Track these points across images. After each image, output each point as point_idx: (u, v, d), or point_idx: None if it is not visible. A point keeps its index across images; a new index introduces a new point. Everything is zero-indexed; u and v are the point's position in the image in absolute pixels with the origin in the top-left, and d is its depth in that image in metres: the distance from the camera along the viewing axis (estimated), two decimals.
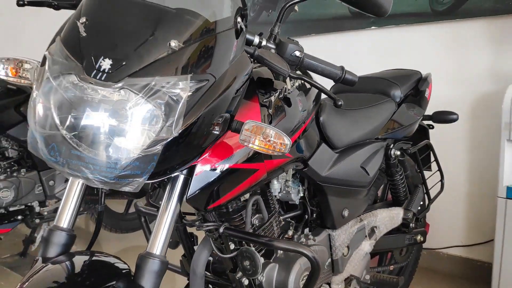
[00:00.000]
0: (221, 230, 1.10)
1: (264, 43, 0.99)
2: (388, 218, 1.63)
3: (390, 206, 1.75)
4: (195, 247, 1.28)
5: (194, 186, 0.93)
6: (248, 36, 0.96)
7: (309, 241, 1.35)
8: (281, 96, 1.09)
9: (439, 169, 1.97)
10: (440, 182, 1.98)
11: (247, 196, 1.17)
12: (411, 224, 1.72)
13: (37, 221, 2.45)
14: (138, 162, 0.73)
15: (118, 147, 0.72)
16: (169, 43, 0.75)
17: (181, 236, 1.30)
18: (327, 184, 1.35)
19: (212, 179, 0.95)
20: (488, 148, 2.27)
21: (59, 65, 0.73)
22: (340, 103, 1.04)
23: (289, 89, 1.12)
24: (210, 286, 1.32)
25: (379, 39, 2.65)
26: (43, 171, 2.42)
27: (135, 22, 0.77)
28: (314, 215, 1.41)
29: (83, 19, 0.76)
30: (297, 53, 1.01)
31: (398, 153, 1.68)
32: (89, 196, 2.49)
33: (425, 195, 1.92)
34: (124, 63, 0.71)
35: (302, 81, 1.17)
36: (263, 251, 1.21)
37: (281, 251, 1.24)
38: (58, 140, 0.72)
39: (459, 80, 2.37)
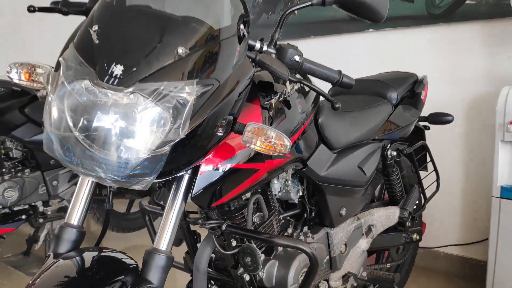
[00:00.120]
0: (223, 227, 1.14)
1: (265, 48, 1.03)
2: (385, 216, 1.67)
3: (387, 205, 1.79)
4: (198, 244, 1.32)
5: (199, 185, 0.98)
6: (250, 42, 1.00)
7: (308, 238, 1.39)
8: (281, 98, 1.14)
9: (435, 169, 2.01)
10: (436, 182, 2.02)
11: (248, 195, 1.21)
12: (407, 223, 1.76)
13: (41, 220, 2.48)
14: (147, 162, 0.78)
15: (129, 148, 0.76)
16: (177, 50, 0.79)
17: (184, 233, 1.34)
18: (326, 184, 1.39)
19: (216, 179, 0.99)
20: (483, 149, 2.31)
21: (73, 70, 0.78)
22: (337, 105, 1.08)
23: (289, 92, 1.17)
24: (212, 282, 1.36)
25: (376, 42, 2.69)
26: (46, 172, 2.46)
27: (145, 30, 0.81)
28: (313, 213, 1.45)
29: (95, 27, 0.80)
30: (297, 58, 1.05)
31: (395, 153, 1.72)
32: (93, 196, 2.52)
33: (421, 194, 1.96)
34: (134, 69, 0.76)
35: (302, 84, 1.21)
36: (264, 248, 1.25)
37: (281, 249, 1.28)
38: (72, 141, 0.77)
39: (455, 82, 2.41)
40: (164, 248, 0.93)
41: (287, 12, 1.06)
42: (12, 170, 2.40)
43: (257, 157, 1.06)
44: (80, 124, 0.76)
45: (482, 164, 2.33)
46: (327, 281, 1.47)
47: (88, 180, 0.99)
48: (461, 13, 2.35)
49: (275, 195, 1.33)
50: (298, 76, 1.16)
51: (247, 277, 1.21)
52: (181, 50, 0.79)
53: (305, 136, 1.27)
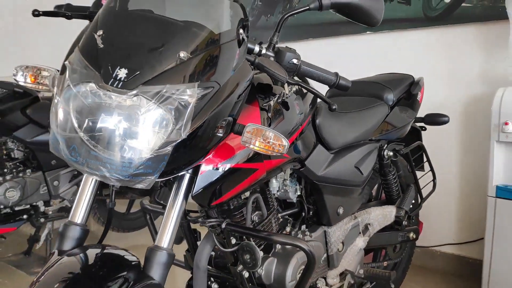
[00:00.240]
0: (223, 225, 1.17)
1: (263, 51, 1.06)
2: (381, 215, 1.70)
3: (384, 204, 1.82)
4: (198, 243, 1.35)
5: (199, 184, 1.00)
6: (249, 45, 1.03)
7: (305, 237, 1.42)
8: (279, 100, 1.17)
9: (431, 169, 2.04)
10: (432, 182, 2.06)
11: (247, 194, 1.24)
12: (403, 222, 1.79)
13: (42, 220, 2.51)
14: (150, 161, 0.81)
15: (132, 148, 0.79)
16: (178, 54, 0.82)
17: (185, 232, 1.37)
18: (323, 183, 1.42)
19: (216, 178, 1.02)
20: (479, 149, 2.34)
21: (78, 73, 0.81)
22: (334, 107, 1.11)
23: (287, 94, 1.20)
24: (212, 279, 1.38)
25: (374, 44, 2.72)
26: (48, 172, 2.49)
27: (148, 34, 0.84)
28: (311, 212, 1.47)
29: (100, 32, 0.83)
30: (295, 61, 1.08)
31: (391, 153, 1.75)
32: None
33: (418, 194, 1.99)
34: (138, 72, 0.79)
35: (299, 86, 1.24)
36: (263, 246, 1.28)
37: (279, 246, 1.31)
38: (77, 142, 0.80)
39: (451, 83, 2.44)
40: (165, 246, 0.96)
41: (285, 16, 1.09)
42: (14, 170, 2.43)
43: (256, 157, 1.09)
44: (85, 125, 0.79)
45: (478, 164, 2.36)
46: (325, 278, 1.49)
47: (92, 180, 1.02)
48: (457, 15, 2.38)
49: (274, 194, 1.36)
50: (296, 78, 1.19)
51: (246, 274, 1.24)
52: (182, 54, 0.83)
53: (303, 137, 1.30)
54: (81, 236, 1.00)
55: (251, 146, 0.93)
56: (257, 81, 1.13)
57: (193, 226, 1.38)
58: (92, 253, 0.97)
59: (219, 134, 0.93)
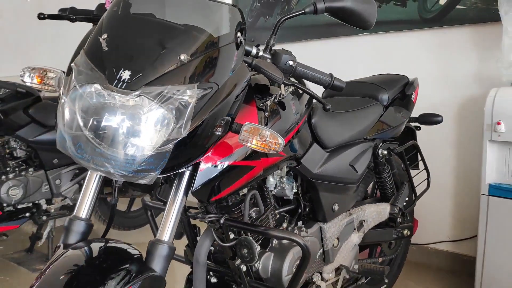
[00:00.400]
0: (222, 221, 1.21)
1: (260, 53, 1.10)
2: (376, 212, 1.75)
3: (379, 202, 1.86)
4: (198, 238, 1.39)
5: (199, 181, 1.05)
6: (246, 47, 1.08)
7: (302, 233, 1.46)
8: (276, 100, 1.21)
9: (426, 168, 2.08)
10: (426, 180, 2.10)
11: (245, 190, 1.28)
12: (398, 219, 1.83)
13: (44, 218, 2.53)
14: (152, 158, 0.85)
15: (135, 145, 0.84)
16: (179, 57, 0.87)
17: (185, 227, 1.41)
18: (319, 181, 1.46)
19: (215, 175, 1.06)
20: (472, 148, 2.39)
21: (84, 75, 0.85)
22: (328, 107, 1.15)
23: (283, 94, 1.24)
24: (211, 273, 1.42)
25: (370, 45, 2.76)
26: (49, 171, 2.51)
27: (150, 38, 0.89)
28: (307, 209, 1.51)
29: (104, 35, 0.88)
30: (291, 62, 1.12)
31: (386, 152, 1.78)
32: None
33: (412, 192, 2.03)
34: (141, 74, 0.83)
35: (295, 87, 1.28)
36: (260, 241, 1.32)
37: (276, 242, 1.35)
38: (83, 140, 0.84)
39: (446, 84, 2.49)
40: (166, 239, 1.00)
41: (281, 20, 1.13)
42: (16, 169, 2.45)
43: (253, 155, 1.13)
44: (90, 124, 0.83)
45: (471, 162, 2.40)
46: (321, 273, 1.53)
47: (96, 176, 1.06)
48: (451, 17, 2.42)
49: (271, 191, 1.40)
50: (292, 79, 1.23)
51: (244, 268, 1.28)
52: (183, 57, 0.87)
53: (299, 136, 1.34)
54: (86, 230, 1.04)
55: (248, 144, 0.97)
56: (254, 82, 1.17)
57: (193, 222, 1.42)
58: (96, 246, 1.00)
59: (217, 133, 0.97)
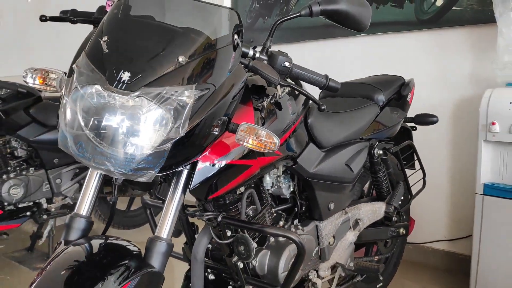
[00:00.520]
0: (219, 218, 1.23)
1: (257, 55, 1.13)
2: (371, 211, 1.77)
3: (374, 201, 1.89)
4: (196, 236, 1.41)
5: (196, 179, 1.07)
6: (243, 49, 1.10)
7: (298, 231, 1.48)
8: (272, 101, 1.24)
9: (421, 168, 2.11)
10: (422, 180, 2.12)
11: (242, 189, 1.30)
12: (393, 218, 1.86)
13: (44, 217, 2.55)
14: (151, 157, 0.88)
15: (135, 144, 0.86)
16: (178, 59, 0.89)
17: (183, 225, 1.44)
18: (315, 180, 1.48)
19: (212, 173, 1.09)
20: (467, 148, 2.41)
21: (85, 76, 0.88)
22: (323, 107, 1.18)
23: (279, 95, 1.27)
24: (209, 270, 1.45)
25: (367, 46, 2.78)
26: (50, 170, 2.53)
27: (149, 40, 0.92)
28: (303, 208, 1.53)
29: (105, 38, 0.90)
30: (287, 64, 1.14)
31: (381, 152, 1.81)
32: None
33: (407, 191, 2.06)
34: (140, 75, 0.86)
35: (291, 88, 1.31)
36: (257, 239, 1.35)
37: (273, 239, 1.37)
38: (84, 139, 0.87)
39: (441, 84, 2.51)
40: (165, 236, 1.02)
41: (278, 22, 1.16)
42: (17, 168, 2.47)
43: (250, 154, 1.15)
44: (91, 123, 0.86)
45: (467, 162, 2.42)
46: (317, 271, 1.55)
47: (96, 174, 1.09)
48: (447, 18, 2.45)
49: (268, 190, 1.42)
50: (289, 80, 1.26)
51: (241, 265, 1.30)
52: (181, 59, 0.90)
53: (296, 135, 1.36)
54: (86, 228, 1.06)
55: (245, 144, 1.00)
56: (251, 83, 1.19)
57: (191, 220, 1.45)
58: (96, 243, 1.02)
59: (214, 133, 1.00)
